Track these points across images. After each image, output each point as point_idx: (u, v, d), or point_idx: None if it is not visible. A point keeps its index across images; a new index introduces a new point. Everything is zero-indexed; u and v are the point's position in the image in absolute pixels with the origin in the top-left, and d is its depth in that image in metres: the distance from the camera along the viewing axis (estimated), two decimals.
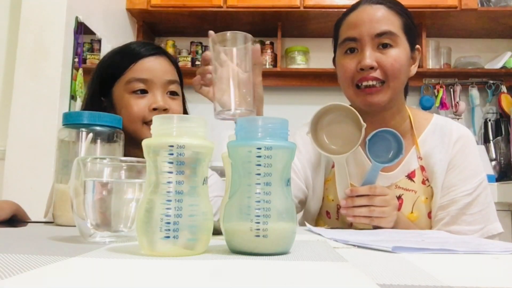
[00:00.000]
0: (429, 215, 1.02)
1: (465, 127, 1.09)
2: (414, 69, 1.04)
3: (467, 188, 0.99)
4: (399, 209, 0.98)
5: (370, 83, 0.96)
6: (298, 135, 1.14)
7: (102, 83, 1.07)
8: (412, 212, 1.00)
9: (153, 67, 1.04)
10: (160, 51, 1.08)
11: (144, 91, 1.03)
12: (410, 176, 1.02)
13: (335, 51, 1.08)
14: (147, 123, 1.01)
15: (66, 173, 0.77)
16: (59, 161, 0.80)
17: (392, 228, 0.90)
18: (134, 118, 1.01)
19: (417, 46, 1.05)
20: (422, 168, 1.02)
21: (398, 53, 0.97)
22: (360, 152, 1.04)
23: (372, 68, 0.96)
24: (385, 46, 0.97)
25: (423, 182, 1.02)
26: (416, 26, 1.05)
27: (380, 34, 0.96)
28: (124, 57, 1.05)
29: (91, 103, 1.08)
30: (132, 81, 1.02)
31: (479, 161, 1.04)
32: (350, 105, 0.97)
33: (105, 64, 1.09)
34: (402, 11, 1.01)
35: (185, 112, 1.15)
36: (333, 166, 1.07)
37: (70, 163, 0.60)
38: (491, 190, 2.28)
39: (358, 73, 0.98)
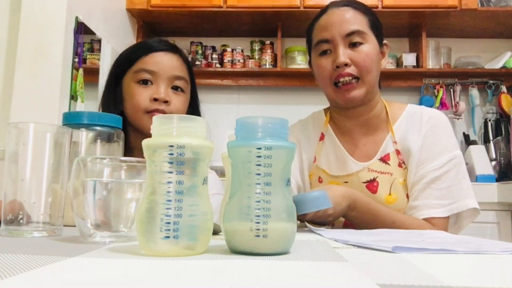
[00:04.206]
0: (408, 196, 1.06)
1: (438, 111, 1.14)
2: (384, 63, 1.12)
3: (434, 164, 1.03)
4: (375, 192, 1.05)
5: (347, 79, 1.03)
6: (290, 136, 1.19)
7: (117, 73, 1.13)
8: (390, 194, 1.05)
9: (161, 61, 1.10)
10: (173, 48, 1.14)
11: (150, 82, 1.08)
12: (384, 159, 1.07)
13: (309, 54, 1.15)
14: (149, 112, 1.06)
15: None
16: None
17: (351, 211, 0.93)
18: (136, 106, 1.06)
19: (385, 41, 1.12)
20: (398, 152, 1.07)
21: (368, 49, 1.04)
22: (339, 146, 1.12)
23: (346, 65, 1.03)
24: (355, 44, 1.04)
25: (400, 165, 1.07)
26: (381, 23, 1.11)
27: (350, 34, 1.04)
28: (138, 49, 1.12)
29: (108, 92, 1.14)
30: (139, 71, 1.08)
31: (451, 140, 1.07)
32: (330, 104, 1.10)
33: (121, 56, 1.16)
34: (367, 11, 1.09)
35: (197, 113, 1.19)
36: (315, 161, 1.14)
37: (70, 163, 0.60)
38: (491, 190, 2.28)
39: (334, 71, 1.05)
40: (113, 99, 1.10)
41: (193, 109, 1.17)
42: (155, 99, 1.05)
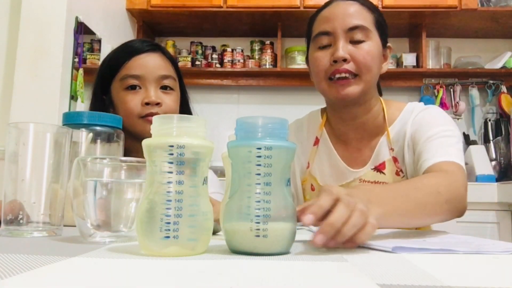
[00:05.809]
0: None
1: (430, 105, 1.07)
2: (385, 67, 1.05)
3: (432, 132, 0.95)
4: None
5: (343, 75, 0.96)
6: None
7: (103, 81, 1.12)
8: None
9: (145, 63, 1.08)
10: (154, 48, 1.12)
11: (138, 87, 1.07)
12: (379, 168, 1.01)
13: (307, 49, 1.08)
14: (143, 117, 1.05)
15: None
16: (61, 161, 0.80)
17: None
18: (129, 113, 1.06)
19: (389, 44, 1.05)
20: (395, 160, 1.01)
21: (370, 47, 0.97)
22: (333, 152, 1.07)
23: (345, 60, 0.95)
24: (357, 40, 0.97)
25: (397, 173, 1.00)
26: (387, 24, 1.05)
27: (353, 28, 0.97)
28: (120, 55, 1.11)
29: (94, 101, 1.13)
30: (125, 78, 1.07)
31: (447, 119, 1.00)
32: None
33: (105, 63, 1.14)
34: (373, 8, 1.03)
35: (188, 111, 1.18)
36: (308, 167, 1.10)
37: (70, 163, 0.60)
38: (491, 190, 2.28)
39: (331, 66, 0.97)
40: (101, 106, 1.10)
41: (183, 105, 1.16)
42: (147, 103, 1.05)
